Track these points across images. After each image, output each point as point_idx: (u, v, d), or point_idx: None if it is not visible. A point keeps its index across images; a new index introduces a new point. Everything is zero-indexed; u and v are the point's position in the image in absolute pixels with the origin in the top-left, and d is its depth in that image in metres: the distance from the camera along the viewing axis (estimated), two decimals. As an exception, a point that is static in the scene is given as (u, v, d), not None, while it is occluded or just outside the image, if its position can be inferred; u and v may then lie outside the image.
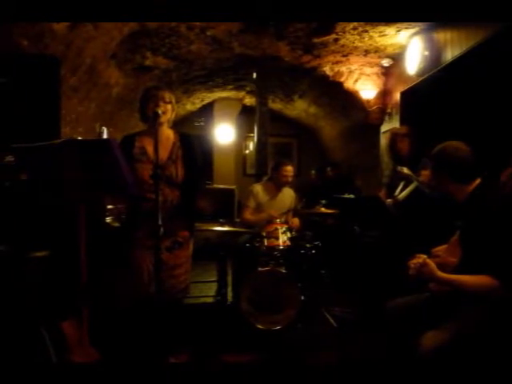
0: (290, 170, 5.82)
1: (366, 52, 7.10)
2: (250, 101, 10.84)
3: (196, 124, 11.73)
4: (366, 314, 4.98)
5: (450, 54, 5.58)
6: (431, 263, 2.88)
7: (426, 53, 6.04)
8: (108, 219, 4.81)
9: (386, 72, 7.92)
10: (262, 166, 8.12)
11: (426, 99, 6.15)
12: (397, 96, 7.35)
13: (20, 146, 3.15)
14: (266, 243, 5.03)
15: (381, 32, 6.22)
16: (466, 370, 2.75)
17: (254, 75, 8.27)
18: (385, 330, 3.35)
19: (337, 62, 7.68)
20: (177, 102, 3.99)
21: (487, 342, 2.81)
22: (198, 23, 5.87)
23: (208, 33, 6.23)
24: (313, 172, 9.97)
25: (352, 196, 6.77)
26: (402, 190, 4.96)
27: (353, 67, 7.87)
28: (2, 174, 3.85)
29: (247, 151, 12.55)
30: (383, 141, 7.88)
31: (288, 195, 5.96)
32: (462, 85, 5.21)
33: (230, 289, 5.34)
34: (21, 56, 4.46)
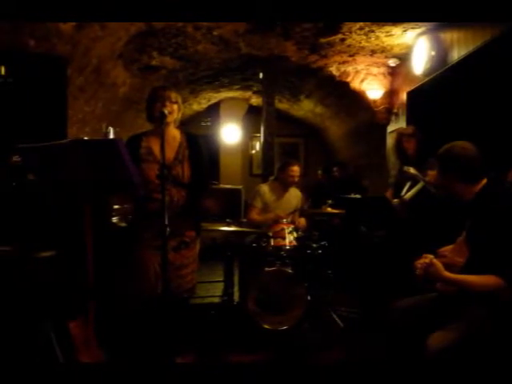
0: (296, 170, 5.83)
1: (373, 52, 7.08)
2: (256, 101, 10.84)
3: (202, 124, 11.74)
4: (373, 314, 4.97)
5: (456, 54, 5.56)
6: (438, 263, 2.88)
7: (433, 53, 6.02)
8: (114, 219, 4.82)
9: (393, 72, 7.90)
10: (269, 166, 8.11)
11: (432, 99, 6.14)
12: (403, 96, 7.33)
13: (26, 146, 3.16)
14: (272, 243, 5.04)
15: (387, 32, 6.20)
16: (472, 370, 2.74)
17: (261, 75, 8.27)
18: (391, 330, 3.35)
19: (343, 62, 7.66)
20: (183, 101, 4.00)
21: (494, 343, 2.81)
22: (204, 23, 5.87)
23: (215, 33, 6.23)
24: (319, 172, 9.95)
25: (358, 196, 6.77)
26: (408, 190, 4.95)
27: (359, 67, 7.85)
28: (8, 174, 3.86)
29: (254, 151, 12.56)
30: (390, 141, 7.87)
31: (294, 195, 5.97)
32: (469, 84, 5.19)
33: (236, 289, 5.35)
34: (28, 56, 4.47)
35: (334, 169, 9.14)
